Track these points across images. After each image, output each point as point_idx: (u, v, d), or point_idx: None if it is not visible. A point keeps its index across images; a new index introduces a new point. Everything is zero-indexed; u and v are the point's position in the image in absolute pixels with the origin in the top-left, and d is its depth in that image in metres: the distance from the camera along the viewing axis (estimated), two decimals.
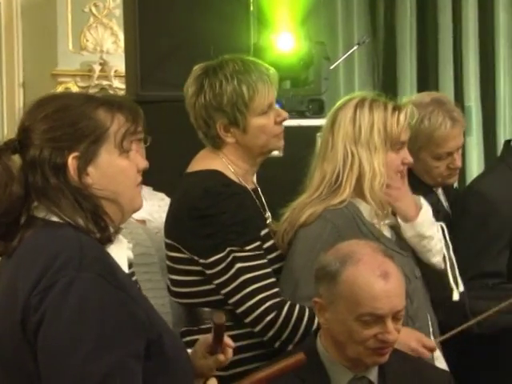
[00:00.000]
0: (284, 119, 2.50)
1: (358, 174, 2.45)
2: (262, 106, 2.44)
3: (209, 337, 1.88)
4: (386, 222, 2.51)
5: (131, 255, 1.79)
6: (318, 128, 3.51)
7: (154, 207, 2.89)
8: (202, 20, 3.50)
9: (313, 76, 3.74)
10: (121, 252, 1.69)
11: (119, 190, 1.67)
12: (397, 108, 2.50)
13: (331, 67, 3.83)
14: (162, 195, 2.97)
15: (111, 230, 1.65)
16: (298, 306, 2.32)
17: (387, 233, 2.52)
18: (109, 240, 1.64)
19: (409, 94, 4.67)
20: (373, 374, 2.10)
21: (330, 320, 2.08)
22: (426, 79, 5.02)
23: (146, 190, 2.80)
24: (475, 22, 5.09)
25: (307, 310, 2.31)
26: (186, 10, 3.53)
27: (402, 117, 2.49)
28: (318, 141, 3.49)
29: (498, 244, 2.86)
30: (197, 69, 2.48)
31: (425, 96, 2.99)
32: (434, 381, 2.18)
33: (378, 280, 2.04)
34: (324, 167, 2.49)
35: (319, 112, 3.63)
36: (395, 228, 2.55)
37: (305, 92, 3.67)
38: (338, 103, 2.57)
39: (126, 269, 1.69)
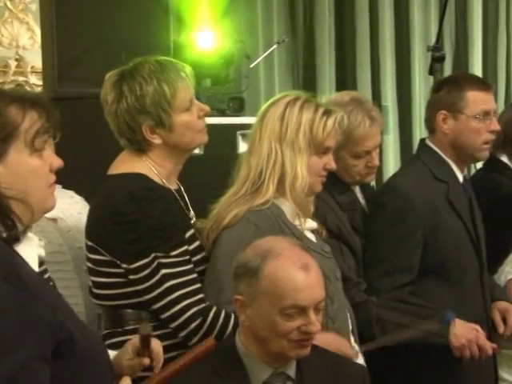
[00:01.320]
0: (206, 113, 2.49)
1: (280, 173, 2.46)
2: (185, 102, 2.42)
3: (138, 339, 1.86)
4: (307, 225, 2.52)
5: (43, 253, 1.75)
6: (238, 126, 3.53)
7: (65, 205, 2.84)
8: (120, 17, 3.47)
9: (233, 74, 3.74)
10: (31, 250, 1.65)
11: (29, 190, 1.64)
12: (327, 113, 2.50)
13: (251, 65, 3.84)
14: (71, 193, 2.92)
15: (20, 228, 1.59)
16: (223, 313, 2.32)
17: (309, 235, 2.53)
18: (16, 239, 1.59)
19: (328, 93, 4.71)
20: (291, 370, 2.13)
21: (251, 316, 2.08)
22: (345, 79, 5.07)
23: (56, 188, 2.74)
24: (391, 24, 5.17)
25: (232, 316, 2.30)
26: (104, 6, 3.48)
27: (329, 122, 2.49)
28: (239, 138, 3.52)
29: (412, 240, 2.91)
30: (111, 75, 2.45)
31: (344, 95, 3.01)
32: (350, 375, 2.21)
33: (299, 272, 2.06)
34: (250, 161, 2.49)
35: (239, 110, 3.64)
36: (317, 231, 2.57)
37: (225, 90, 3.66)
38: (273, 98, 2.57)
39: (35, 267, 1.64)
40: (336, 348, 2.33)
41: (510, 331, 2.96)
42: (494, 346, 2.88)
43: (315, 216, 2.57)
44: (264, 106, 2.56)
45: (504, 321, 2.99)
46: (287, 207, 2.47)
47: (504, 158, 3.45)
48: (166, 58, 2.51)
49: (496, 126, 3.05)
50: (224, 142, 3.38)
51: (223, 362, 2.09)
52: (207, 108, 2.49)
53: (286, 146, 2.46)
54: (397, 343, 2.74)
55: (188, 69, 2.46)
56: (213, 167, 3.20)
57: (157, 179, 2.42)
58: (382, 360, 2.77)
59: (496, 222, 3.24)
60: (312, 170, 2.48)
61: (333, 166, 2.52)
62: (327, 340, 2.32)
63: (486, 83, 3.14)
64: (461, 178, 3.05)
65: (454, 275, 2.93)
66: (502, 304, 3.04)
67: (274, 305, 2.05)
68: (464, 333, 2.82)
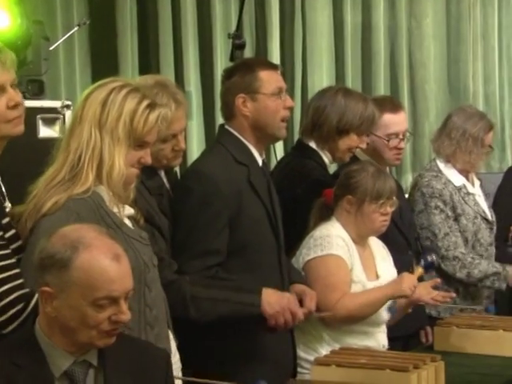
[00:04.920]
0: (17, 104, 2.37)
1: (98, 160, 2.40)
2: None
3: None
4: (126, 212, 2.49)
5: None
6: (38, 109, 3.43)
7: None
8: None
9: (32, 56, 3.64)
10: None
11: None
12: (151, 106, 2.44)
13: (51, 48, 3.75)
14: None
15: None
16: None
17: (128, 222, 2.50)
18: None
19: (131, 78, 4.67)
20: (93, 358, 2.11)
21: (59, 308, 2.05)
22: (148, 64, 5.06)
23: None
24: (194, 11, 5.21)
25: None
26: None
27: (152, 117, 2.44)
28: (39, 122, 3.42)
29: (220, 222, 2.95)
30: None
31: (148, 78, 3.00)
32: (153, 359, 2.21)
33: (112, 263, 2.05)
34: (70, 143, 2.42)
35: (39, 93, 3.55)
36: (134, 218, 2.54)
37: (24, 72, 3.55)
38: (102, 81, 2.49)
39: None
40: None
41: (307, 311, 3.06)
42: (306, 310, 2.97)
43: (133, 202, 2.54)
44: (91, 87, 2.48)
45: (300, 302, 3.09)
46: (107, 195, 2.43)
47: (312, 144, 3.56)
48: None
49: (291, 103, 3.14)
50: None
51: (21, 352, 2.04)
52: (18, 98, 2.37)
53: (105, 134, 2.40)
54: (214, 319, 2.76)
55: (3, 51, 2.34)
56: (15, 153, 3.09)
57: None
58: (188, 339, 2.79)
59: (305, 207, 3.35)
60: (127, 162, 2.44)
61: (148, 160, 2.49)
62: None
63: (273, 63, 3.25)
64: (260, 161, 3.13)
65: (255, 257, 3.00)
66: (299, 286, 3.13)
67: (85, 296, 2.03)
68: (276, 300, 2.89)
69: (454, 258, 3.93)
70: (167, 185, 3.06)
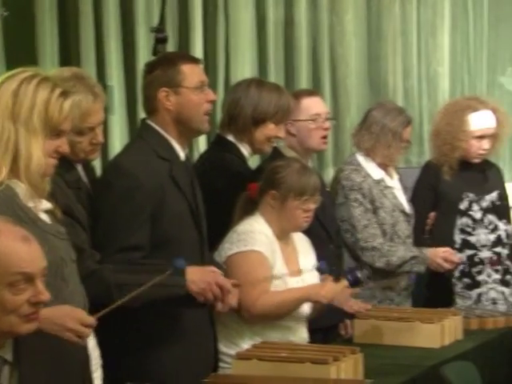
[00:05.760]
0: None
1: (14, 153, 2.36)
2: None
3: None
4: (42, 207, 2.46)
5: None
6: None
7: None
8: None
9: None
10: None
11: None
12: (64, 94, 2.42)
13: None
14: None
15: None
16: None
17: (44, 217, 2.47)
18: None
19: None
20: (8, 353, 2.08)
21: None
22: (68, 58, 4.99)
23: None
24: (116, 4, 5.16)
25: None
26: None
27: (66, 104, 2.41)
28: None
29: (141, 217, 2.94)
30: None
31: (65, 71, 2.98)
32: (70, 355, 2.18)
33: (22, 244, 2.03)
34: None
35: None
36: (52, 212, 2.51)
37: None
38: (10, 72, 2.44)
39: None
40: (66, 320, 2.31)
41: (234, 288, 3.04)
42: (235, 281, 2.96)
43: (50, 196, 2.51)
44: None
45: None
46: (21, 189, 2.39)
47: (231, 138, 3.58)
48: None
49: (213, 96, 3.16)
50: None
51: None
52: None
53: (20, 125, 2.37)
54: (141, 304, 2.73)
55: None
56: None
57: None
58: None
59: (225, 200, 3.36)
60: (45, 152, 2.40)
61: (66, 149, 2.47)
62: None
63: (195, 57, 3.26)
64: (183, 156, 3.13)
65: (177, 251, 2.99)
66: None
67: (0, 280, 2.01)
68: (201, 277, 2.88)
69: (372, 248, 4.01)
70: (85, 179, 3.04)
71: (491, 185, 4.40)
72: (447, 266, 4.07)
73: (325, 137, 3.85)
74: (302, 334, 3.38)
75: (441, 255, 4.06)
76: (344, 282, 3.30)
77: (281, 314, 3.26)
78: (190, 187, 3.12)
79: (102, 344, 2.73)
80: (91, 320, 2.39)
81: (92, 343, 2.63)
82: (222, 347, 3.24)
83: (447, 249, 4.12)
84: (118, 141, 5.13)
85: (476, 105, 4.34)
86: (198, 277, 2.87)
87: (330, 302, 3.27)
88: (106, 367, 2.75)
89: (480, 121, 4.30)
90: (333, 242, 3.84)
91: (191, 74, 3.07)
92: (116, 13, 5.18)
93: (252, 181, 3.43)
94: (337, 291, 3.27)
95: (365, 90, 6.74)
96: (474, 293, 4.26)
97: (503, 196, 4.44)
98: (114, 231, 2.91)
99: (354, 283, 3.33)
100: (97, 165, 3.68)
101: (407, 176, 4.54)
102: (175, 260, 2.68)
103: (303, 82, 6.23)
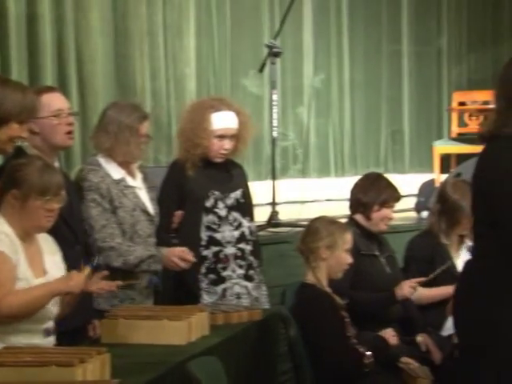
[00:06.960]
0: None
1: None
2: None
3: None
4: None
5: None
6: None
7: None
8: None
9: None
10: None
11: None
12: None
13: None
14: None
15: None
16: None
17: None
18: None
19: None
20: None
21: None
22: None
23: None
24: None
25: None
26: None
27: None
28: None
29: None
30: None
31: None
32: None
33: None
34: None
35: None
36: None
37: None
38: None
39: None
40: None
41: None
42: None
43: None
44: None
45: None
46: None
47: None
48: None
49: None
50: None
51: None
52: None
53: None
54: None
55: None
56: None
57: None
58: None
59: None
60: None
61: None
62: None
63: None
64: None
65: None
66: None
67: None
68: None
69: (110, 248, 4.02)
70: None
71: (235, 183, 4.54)
72: (183, 264, 4.15)
73: (70, 132, 3.80)
74: (48, 338, 3.31)
75: (177, 254, 4.14)
76: (87, 269, 3.30)
77: (31, 313, 3.18)
78: None
79: None
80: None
81: None
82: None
83: (183, 248, 4.19)
84: None
85: (219, 105, 4.45)
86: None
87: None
88: None
89: (222, 121, 4.42)
90: (80, 242, 3.79)
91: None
92: None
93: None
94: (83, 278, 3.25)
95: (112, 90, 6.74)
96: (220, 288, 4.37)
97: (246, 194, 4.58)
98: None
99: (98, 267, 3.41)
100: None
101: (156, 175, 4.59)
102: None
103: (48, 79, 6.11)
